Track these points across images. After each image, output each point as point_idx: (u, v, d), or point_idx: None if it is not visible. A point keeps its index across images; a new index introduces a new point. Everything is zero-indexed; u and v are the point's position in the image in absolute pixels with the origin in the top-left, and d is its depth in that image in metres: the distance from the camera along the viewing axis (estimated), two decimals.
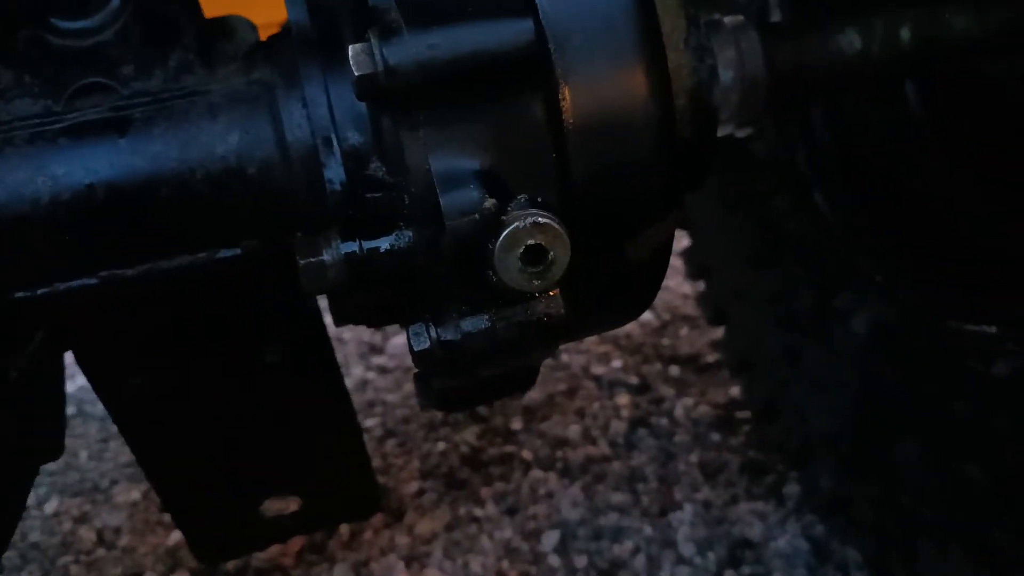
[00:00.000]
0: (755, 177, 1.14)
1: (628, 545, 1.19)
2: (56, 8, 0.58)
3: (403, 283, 0.54)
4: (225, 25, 0.64)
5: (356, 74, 0.45)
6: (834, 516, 1.11)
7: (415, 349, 0.51)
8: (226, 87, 0.58)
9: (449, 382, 0.58)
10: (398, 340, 1.81)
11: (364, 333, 1.81)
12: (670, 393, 1.54)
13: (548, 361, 1.68)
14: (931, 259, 0.93)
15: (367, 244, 0.52)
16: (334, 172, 0.54)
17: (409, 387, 1.64)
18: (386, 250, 0.52)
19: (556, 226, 0.46)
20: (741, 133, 0.70)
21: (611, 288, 0.56)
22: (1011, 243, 0.90)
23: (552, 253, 0.47)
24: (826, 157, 1.05)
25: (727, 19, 0.67)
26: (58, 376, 0.90)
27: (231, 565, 1.19)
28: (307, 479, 0.86)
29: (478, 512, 1.27)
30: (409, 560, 1.18)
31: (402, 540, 1.22)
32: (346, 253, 0.51)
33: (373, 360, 1.71)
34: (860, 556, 1.09)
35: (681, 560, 1.16)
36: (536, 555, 1.19)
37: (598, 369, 1.61)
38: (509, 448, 1.42)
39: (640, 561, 1.16)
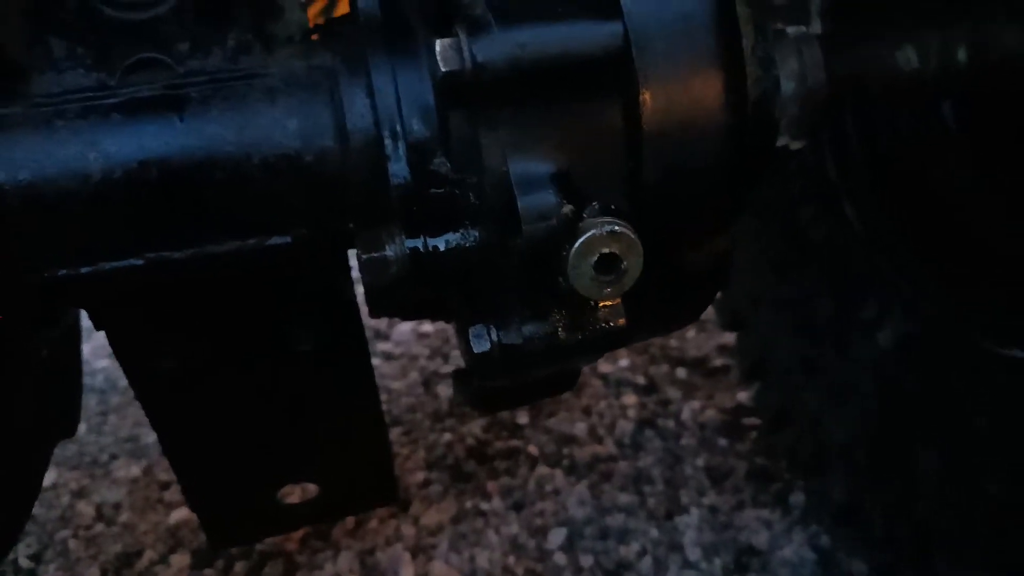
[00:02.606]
0: (781, 184, 1.14)
1: (634, 547, 1.19)
2: None
3: (462, 282, 0.53)
4: (274, 4, 0.62)
5: (443, 69, 0.44)
6: (842, 527, 1.12)
7: (475, 351, 0.51)
8: (285, 71, 0.57)
9: (495, 383, 0.57)
10: (404, 327, 1.79)
11: (369, 319, 1.80)
12: (677, 395, 1.54)
13: None
14: (961, 274, 0.93)
15: (431, 241, 0.51)
16: (398, 165, 0.53)
17: (415, 375, 1.63)
18: (450, 248, 0.51)
19: (631, 235, 0.45)
20: (795, 145, 0.69)
21: (670, 296, 0.56)
22: None
23: (625, 263, 0.46)
24: (857, 167, 1.05)
25: (790, 29, 0.67)
26: (76, 352, 0.88)
27: (235, 550, 1.18)
28: (328, 467, 0.85)
29: (484, 506, 1.27)
30: (415, 551, 1.17)
31: (408, 531, 1.21)
32: (410, 249, 0.50)
33: (379, 346, 1.70)
34: (866, 567, 1.10)
35: (687, 564, 1.16)
36: (542, 552, 1.18)
37: (605, 367, 1.61)
38: (515, 443, 1.42)
39: (647, 564, 1.16)
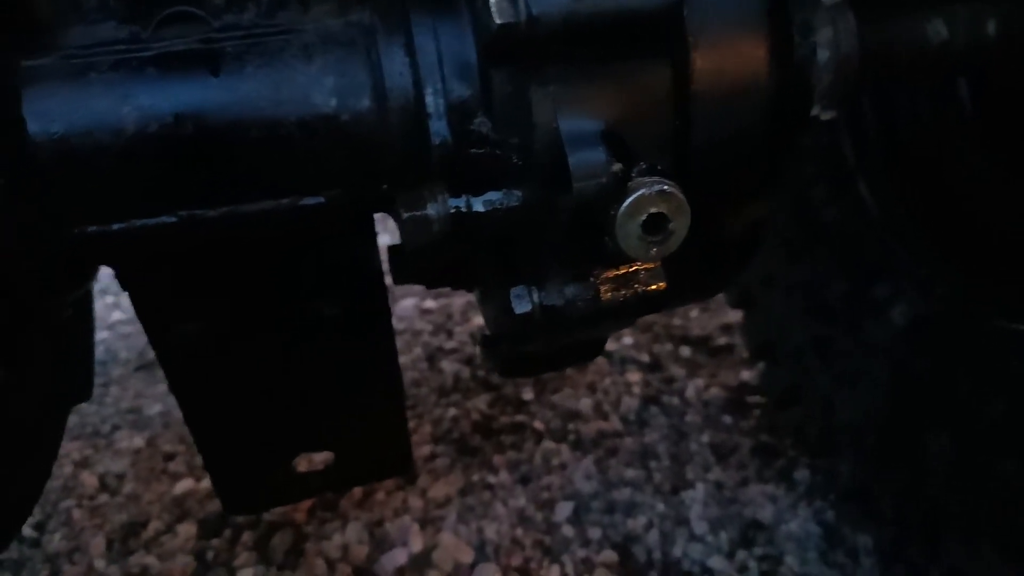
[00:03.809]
0: (793, 163, 1.14)
1: (641, 520, 1.20)
2: None
3: (502, 243, 0.52)
4: None
5: (498, 22, 0.43)
6: (849, 503, 1.13)
7: (517, 312, 0.50)
8: (321, 27, 0.56)
9: (531, 346, 0.57)
10: (407, 303, 1.79)
11: None
12: (681, 373, 1.54)
13: None
14: (975, 255, 0.94)
15: (473, 200, 0.50)
16: (439, 125, 0.52)
17: (419, 350, 1.63)
18: (492, 208, 0.50)
19: (680, 196, 0.45)
20: (826, 115, 0.69)
21: (706, 261, 0.56)
22: None
23: (673, 223, 0.46)
24: (873, 148, 1.05)
25: None
26: (90, 315, 0.87)
27: (242, 520, 1.18)
28: (344, 436, 0.85)
29: (491, 479, 1.27)
30: (424, 522, 1.18)
31: (416, 503, 1.22)
32: (453, 209, 0.50)
33: None
34: (871, 542, 1.12)
35: (694, 537, 1.17)
36: (550, 525, 1.19)
37: (610, 345, 1.61)
38: (521, 418, 1.42)
39: (654, 536, 1.17)
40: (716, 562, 1.13)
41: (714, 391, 1.49)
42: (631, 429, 1.40)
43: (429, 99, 0.53)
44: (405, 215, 0.50)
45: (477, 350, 1.59)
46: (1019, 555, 0.78)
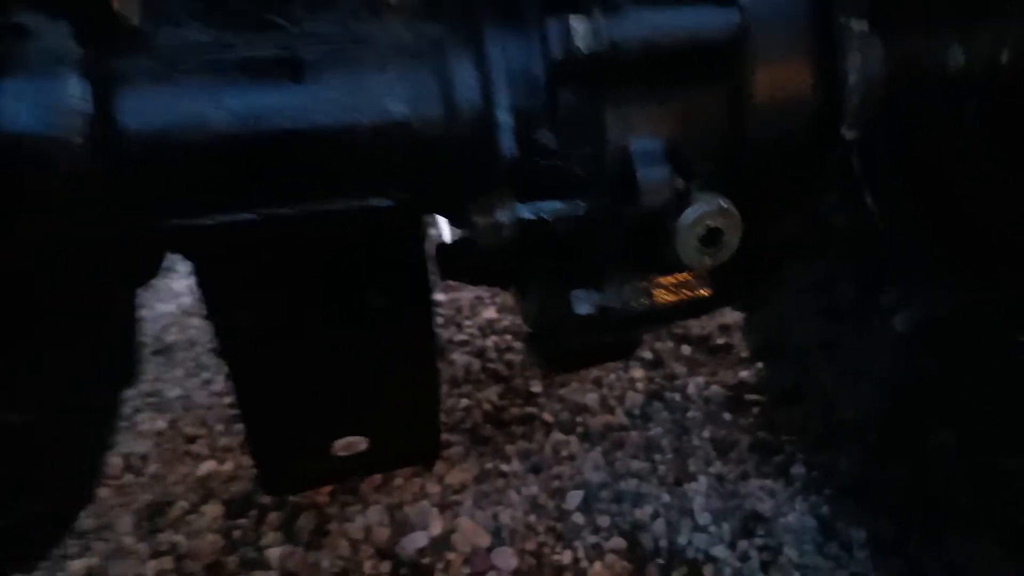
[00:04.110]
0: None
1: (648, 510, 1.25)
2: None
3: (563, 248, 0.57)
4: None
5: (583, 49, 0.47)
6: (845, 498, 1.19)
7: (577, 312, 0.55)
8: (394, 38, 0.60)
9: (584, 343, 0.61)
10: None
11: None
12: (682, 371, 1.60)
13: None
14: (980, 262, 0.99)
15: (539, 208, 0.54)
16: (506, 136, 0.57)
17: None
18: (557, 217, 0.54)
19: (735, 212, 0.50)
20: (850, 135, 0.74)
21: (746, 271, 0.60)
22: None
23: (727, 236, 0.50)
24: (879, 157, 1.11)
25: (853, 23, 0.71)
26: (133, 301, 0.91)
27: (267, 500, 1.22)
28: (381, 423, 0.89)
29: (504, 467, 1.32)
30: (441, 507, 1.23)
31: (433, 489, 1.26)
32: (521, 216, 0.54)
33: None
34: (864, 535, 1.18)
35: (698, 527, 1.23)
36: (561, 512, 1.24)
37: None
38: (530, 409, 1.47)
39: (660, 525, 1.23)
40: (719, 551, 1.18)
41: (714, 388, 1.55)
42: (636, 423, 1.45)
43: (498, 112, 0.57)
44: (478, 221, 0.54)
45: (522, 345, 1.63)
46: (1020, 550, 0.84)
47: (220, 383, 1.50)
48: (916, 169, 1.08)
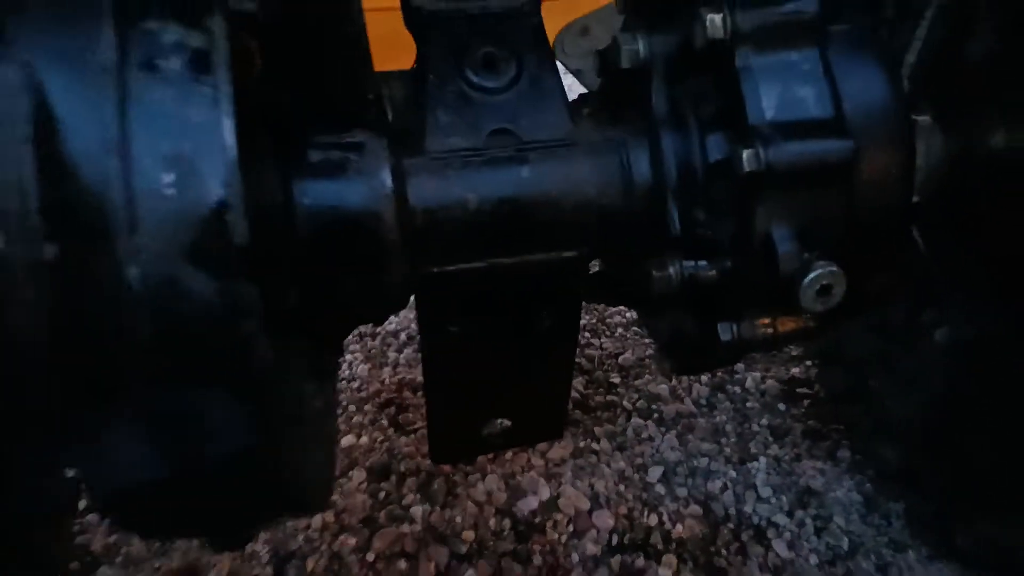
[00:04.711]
0: None
1: (718, 484, 1.50)
2: (472, 65, 0.82)
3: (709, 292, 0.80)
4: None
5: (747, 170, 0.70)
6: (886, 480, 1.43)
7: (722, 339, 0.78)
8: (589, 140, 0.83)
9: (716, 361, 0.85)
10: None
11: None
12: (741, 367, 1.83)
13: (639, 329, 1.96)
14: (1005, 294, 1.22)
15: (700, 266, 0.78)
16: (672, 212, 0.80)
17: None
18: (712, 273, 0.78)
19: (842, 274, 0.73)
20: (916, 201, 0.96)
21: (849, 312, 0.83)
22: None
23: (835, 290, 0.74)
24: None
25: (920, 120, 0.93)
26: None
27: (405, 468, 1.48)
28: (525, 409, 1.13)
29: (595, 446, 1.57)
30: (547, 477, 1.48)
31: (537, 462, 1.51)
32: (687, 271, 0.78)
33: None
34: (902, 510, 1.42)
35: (760, 499, 1.47)
36: (645, 484, 1.49)
37: None
38: (612, 398, 1.72)
39: (728, 496, 1.47)
40: (780, 519, 1.43)
41: (770, 383, 1.78)
42: (703, 411, 1.69)
43: (667, 195, 0.80)
44: (656, 273, 0.78)
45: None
46: None
47: (347, 371, 1.76)
48: (966, 222, 1.30)
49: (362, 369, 1.81)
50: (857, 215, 0.76)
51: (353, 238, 0.75)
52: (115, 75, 0.53)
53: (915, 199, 0.95)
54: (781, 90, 0.73)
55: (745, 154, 0.71)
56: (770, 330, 0.79)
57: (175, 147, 0.53)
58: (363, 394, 1.70)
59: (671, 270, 0.79)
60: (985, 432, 1.16)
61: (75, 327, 0.53)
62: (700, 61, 0.77)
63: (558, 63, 0.94)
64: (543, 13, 0.89)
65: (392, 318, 1.85)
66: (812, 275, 0.72)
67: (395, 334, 1.95)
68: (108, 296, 0.52)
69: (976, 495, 1.19)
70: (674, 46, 0.81)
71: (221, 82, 0.55)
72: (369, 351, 1.89)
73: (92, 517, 1.40)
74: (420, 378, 1.76)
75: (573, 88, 1.38)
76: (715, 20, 0.73)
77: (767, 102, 0.72)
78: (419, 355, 1.82)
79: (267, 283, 0.57)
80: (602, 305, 2.00)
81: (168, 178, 0.53)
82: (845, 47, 0.75)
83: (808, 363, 1.80)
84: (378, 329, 1.96)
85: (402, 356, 1.87)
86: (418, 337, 1.79)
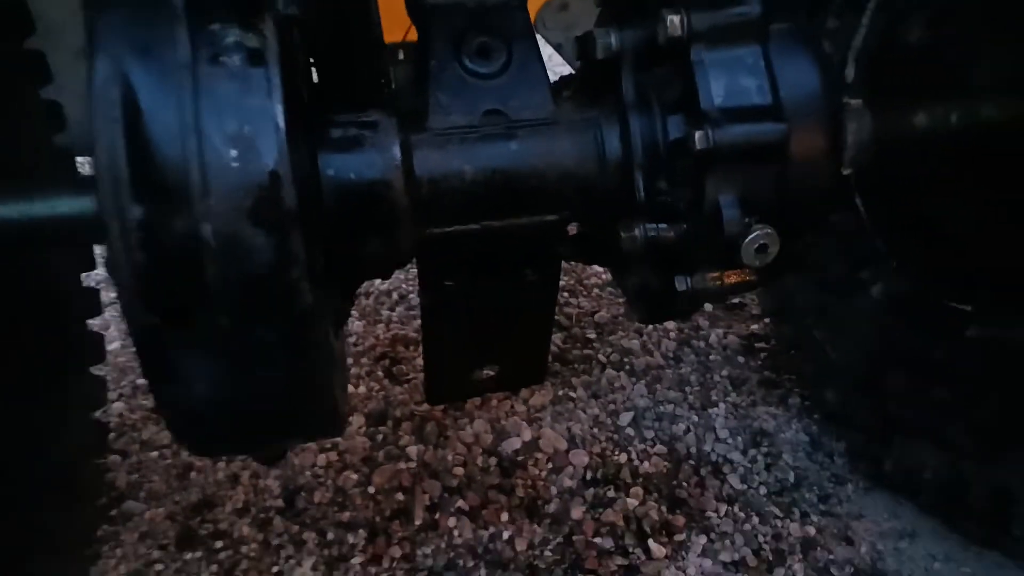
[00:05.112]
0: None
1: (681, 427, 1.67)
2: (468, 52, 0.95)
3: (668, 250, 0.95)
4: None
5: (698, 148, 0.85)
6: (829, 421, 1.61)
7: (678, 289, 0.94)
8: (568, 120, 0.97)
9: (677, 309, 1.01)
10: None
11: None
12: (706, 324, 2.00)
13: (614, 288, 2.12)
14: (931, 251, 1.39)
15: (659, 227, 0.93)
16: (639, 183, 0.94)
17: None
18: (671, 234, 0.93)
19: (777, 236, 0.88)
20: (845, 172, 1.12)
21: (780, 264, 0.99)
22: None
23: (771, 248, 0.89)
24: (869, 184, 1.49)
25: (852, 102, 1.08)
26: None
27: (399, 413, 1.63)
28: (511, 355, 1.29)
29: (572, 394, 1.73)
30: (529, 422, 1.64)
31: (520, 408, 1.67)
32: (650, 232, 0.93)
33: None
34: (843, 448, 1.60)
35: (719, 440, 1.65)
36: (617, 427, 1.66)
37: None
38: (588, 351, 1.88)
39: (691, 438, 1.64)
40: (735, 456, 1.61)
41: (731, 338, 1.96)
42: (670, 363, 1.86)
43: (634, 168, 0.94)
44: (624, 234, 0.93)
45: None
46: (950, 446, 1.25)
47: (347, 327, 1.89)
48: (895, 192, 1.46)
49: (358, 325, 1.95)
50: (790, 186, 0.90)
51: (369, 204, 0.89)
52: (190, 69, 0.66)
53: (847, 172, 1.11)
54: (728, 81, 0.87)
55: (697, 135, 0.85)
56: (718, 282, 0.94)
57: (238, 128, 0.67)
58: (359, 348, 1.84)
59: (637, 232, 0.93)
60: (910, 375, 1.34)
61: (160, 272, 0.66)
62: (662, 54, 0.91)
63: (538, 36, 1.07)
64: None
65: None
66: (751, 236, 0.87)
67: (388, 293, 2.09)
68: (187, 247, 0.66)
69: (900, 430, 1.37)
70: (641, 40, 0.94)
71: (273, 75, 0.68)
72: (363, 309, 2.03)
73: (115, 457, 1.54)
74: (412, 333, 1.91)
75: (552, 59, 1.51)
76: (674, 21, 0.87)
77: (716, 91, 0.87)
78: (410, 313, 1.97)
79: (306, 240, 0.71)
80: (580, 265, 2.15)
81: (232, 153, 0.66)
82: (783, 44, 0.90)
83: (767, 320, 1.97)
84: (371, 288, 2.09)
85: (395, 314, 2.01)
86: (410, 296, 1.94)
